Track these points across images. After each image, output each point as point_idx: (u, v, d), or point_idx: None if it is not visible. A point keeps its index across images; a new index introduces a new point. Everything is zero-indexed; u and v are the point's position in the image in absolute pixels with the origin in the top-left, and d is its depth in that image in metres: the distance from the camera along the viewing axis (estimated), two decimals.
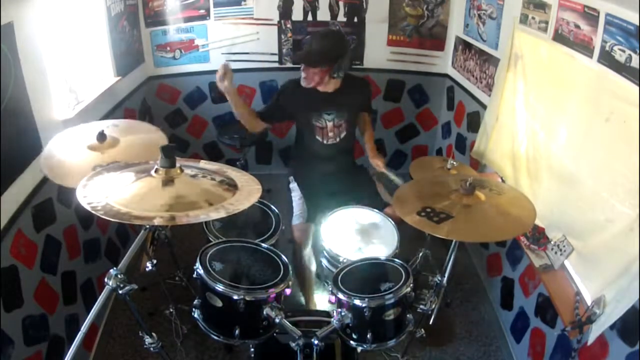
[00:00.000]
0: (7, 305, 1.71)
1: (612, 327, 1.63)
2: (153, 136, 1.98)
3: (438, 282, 2.01)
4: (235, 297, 1.64)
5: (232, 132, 3.35)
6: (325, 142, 2.45)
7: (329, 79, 2.29)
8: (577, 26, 1.94)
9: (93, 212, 1.28)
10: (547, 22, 2.18)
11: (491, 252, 2.85)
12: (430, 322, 2.24)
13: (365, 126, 2.67)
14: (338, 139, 2.46)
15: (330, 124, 2.41)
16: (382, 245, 2.12)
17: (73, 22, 2.43)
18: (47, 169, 1.72)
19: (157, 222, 1.29)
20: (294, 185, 2.55)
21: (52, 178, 1.69)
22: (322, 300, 2.41)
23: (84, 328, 1.32)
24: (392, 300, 1.72)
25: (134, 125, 2.21)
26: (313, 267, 2.38)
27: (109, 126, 1.93)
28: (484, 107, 2.88)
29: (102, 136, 1.80)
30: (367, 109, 2.66)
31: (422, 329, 2.08)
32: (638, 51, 1.59)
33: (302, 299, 2.47)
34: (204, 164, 1.69)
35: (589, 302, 1.84)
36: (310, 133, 2.44)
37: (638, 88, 1.58)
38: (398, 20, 3.52)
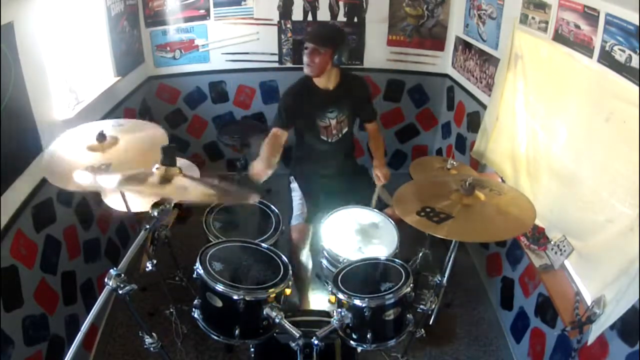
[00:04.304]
0: (7, 305, 1.71)
1: (612, 327, 1.63)
2: (155, 134, 1.97)
3: (438, 282, 2.01)
4: (235, 297, 1.64)
5: (232, 132, 3.35)
6: (330, 140, 2.46)
7: (331, 68, 2.30)
8: (577, 26, 1.94)
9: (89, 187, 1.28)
10: (547, 22, 2.18)
11: (491, 252, 2.85)
12: (430, 322, 2.24)
13: (371, 135, 2.61)
14: (340, 135, 2.47)
15: (333, 122, 2.42)
16: (382, 245, 2.12)
17: (73, 22, 2.43)
18: (48, 173, 1.71)
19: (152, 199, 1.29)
20: (294, 185, 2.55)
21: (52, 181, 1.69)
22: (321, 300, 2.41)
23: (84, 328, 1.31)
24: (392, 300, 1.72)
25: (137, 124, 2.20)
26: (310, 268, 2.38)
27: (114, 125, 1.93)
28: (484, 107, 2.88)
29: (101, 136, 1.80)
30: (367, 108, 2.57)
31: (422, 329, 2.08)
32: (638, 51, 1.59)
33: (298, 300, 2.46)
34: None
35: (589, 302, 1.83)
36: (314, 133, 2.44)
37: (638, 88, 1.58)
38: (398, 20, 3.52)
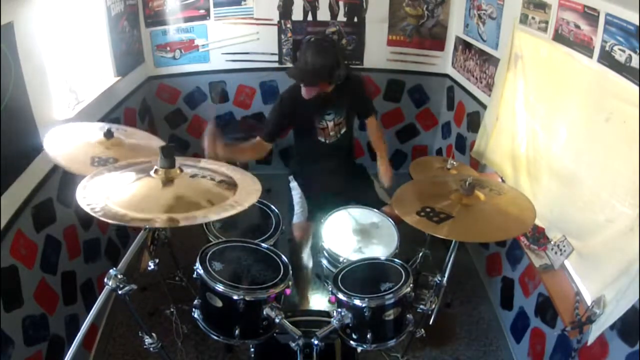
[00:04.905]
0: (7, 305, 1.71)
1: (612, 327, 1.63)
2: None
3: (438, 282, 2.01)
4: (235, 297, 1.64)
5: (232, 132, 3.34)
6: (327, 141, 2.46)
7: (329, 87, 2.31)
8: (577, 26, 1.94)
9: (92, 214, 1.27)
10: (547, 22, 2.18)
11: (491, 252, 2.85)
12: (430, 322, 2.24)
13: (372, 132, 2.61)
14: (339, 135, 2.47)
15: (330, 124, 2.42)
16: (382, 245, 2.12)
17: (73, 22, 2.43)
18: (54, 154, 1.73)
19: (157, 224, 1.28)
20: (294, 184, 2.55)
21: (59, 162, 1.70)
22: (321, 300, 2.41)
23: (84, 328, 1.32)
24: (392, 300, 1.72)
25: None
26: (310, 267, 2.38)
27: (118, 129, 1.94)
28: (484, 107, 2.88)
29: (109, 133, 1.81)
30: (364, 104, 2.57)
31: (422, 329, 2.08)
32: (638, 51, 1.59)
33: (297, 299, 2.46)
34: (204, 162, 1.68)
35: (589, 302, 1.83)
36: (312, 135, 2.44)
37: (638, 88, 1.58)
38: (398, 20, 3.52)
